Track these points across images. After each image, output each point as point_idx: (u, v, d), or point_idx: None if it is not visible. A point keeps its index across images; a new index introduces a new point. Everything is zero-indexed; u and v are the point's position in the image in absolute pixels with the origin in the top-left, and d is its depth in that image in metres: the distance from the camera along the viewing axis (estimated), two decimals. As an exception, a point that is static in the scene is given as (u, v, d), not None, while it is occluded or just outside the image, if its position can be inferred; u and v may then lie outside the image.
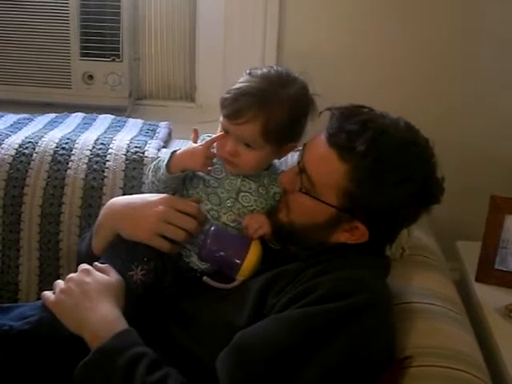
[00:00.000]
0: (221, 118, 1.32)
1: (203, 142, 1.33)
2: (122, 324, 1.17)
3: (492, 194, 1.81)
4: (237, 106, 1.27)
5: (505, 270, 1.79)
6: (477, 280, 1.82)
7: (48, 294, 1.23)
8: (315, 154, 1.25)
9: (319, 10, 2.07)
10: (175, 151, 1.34)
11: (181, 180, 1.36)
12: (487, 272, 1.80)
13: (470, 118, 2.10)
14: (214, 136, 1.33)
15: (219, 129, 1.34)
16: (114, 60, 2.15)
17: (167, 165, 1.32)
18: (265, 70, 1.33)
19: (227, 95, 1.30)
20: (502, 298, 1.73)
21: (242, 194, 1.35)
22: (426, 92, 2.09)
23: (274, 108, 1.28)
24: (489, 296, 1.75)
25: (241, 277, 1.27)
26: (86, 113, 1.97)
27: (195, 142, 1.36)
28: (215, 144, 1.33)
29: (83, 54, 2.15)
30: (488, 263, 1.80)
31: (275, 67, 1.35)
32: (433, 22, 2.03)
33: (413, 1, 2.03)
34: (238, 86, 1.30)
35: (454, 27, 2.03)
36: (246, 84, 1.30)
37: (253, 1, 2.05)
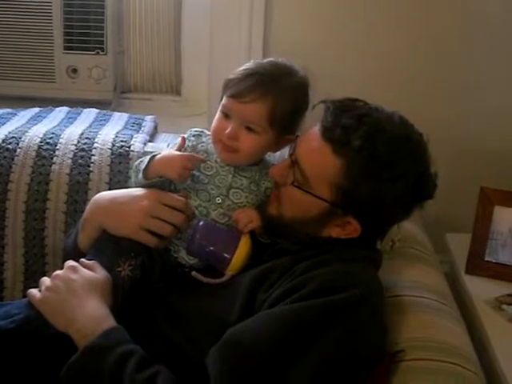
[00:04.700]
0: (223, 101, 1.30)
1: (185, 152, 1.32)
2: (109, 321, 1.15)
3: (481, 185, 1.81)
4: (245, 84, 1.26)
5: (494, 261, 1.79)
6: (467, 272, 1.82)
7: (34, 291, 1.21)
8: (309, 147, 1.23)
9: (305, 3, 2.06)
10: (155, 155, 1.31)
11: (165, 181, 1.34)
12: (477, 264, 1.80)
13: (458, 111, 2.10)
14: (197, 156, 1.31)
15: (216, 117, 1.32)
16: (98, 53, 2.13)
17: (145, 169, 1.31)
18: (270, 59, 1.34)
19: (233, 76, 1.29)
20: (493, 289, 1.73)
21: (233, 190, 1.33)
22: (414, 86, 2.09)
23: (281, 92, 1.27)
24: (479, 288, 1.75)
25: (230, 271, 1.26)
26: (70, 107, 1.95)
27: (179, 150, 1.34)
28: (212, 129, 1.32)
29: (67, 47, 2.13)
30: (478, 255, 1.80)
31: (279, 58, 1.35)
32: (422, 15, 2.02)
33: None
34: (244, 68, 1.30)
35: (443, 18, 2.03)
36: (253, 66, 1.30)
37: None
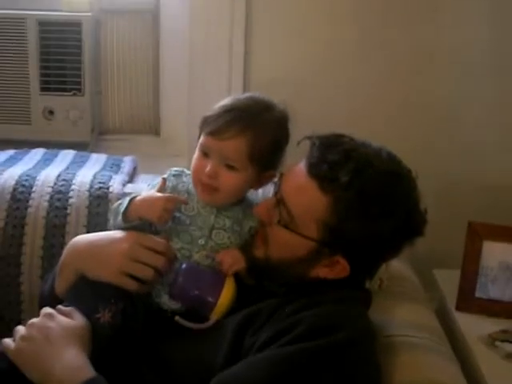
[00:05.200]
0: (201, 139, 1.28)
1: (166, 194, 1.29)
2: (88, 372, 1.10)
3: (468, 220, 1.80)
4: (223, 121, 1.24)
5: (486, 297, 1.76)
6: (457, 309, 1.78)
7: (8, 341, 1.16)
8: (294, 184, 1.20)
9: (285, 40, 2.05)
10: (135, 197, 1.28)
11: (145, 223, 1.30)
12: (468, 301, 1.77)
13: (443, 146, 2.09)
14: (178, 197, 1.29)
15: (195, 156, 1.29)
16: (75, 94, 2.10)
17: (124, 212, 1.27)
18: (248, 94, 1.33)
19: (210, 113, 1.27)
20: (485, 326, 1.70)
21: (216, 231, 1.30)
22: (399, 121, 2.08)
23: (260, 127, 1.25)
24: (471, 325, 1.72)
25: (215, 316, 1.21)
26: (46, 149, 1.91)
27: (160, 191, 1.30)
28: (191, 170, 1.29)
29: (43, 89, 2.09)
30: (468, 291, 1.77)
31: (257, 93, 1.33)
32: (407, 46, 2.03)
33: (382, 30, 2.02)
34: (221, 104, 1.28)
35: (430, 49, 2.03)
36: (230, 102, 1.28)
37: (218, 31, 2.03)
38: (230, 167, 1.25)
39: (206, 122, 1.27)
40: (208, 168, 1.25)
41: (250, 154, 1.24)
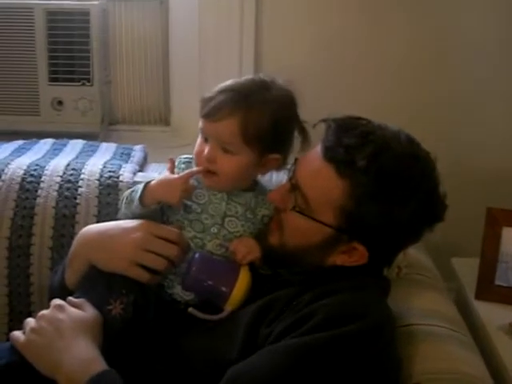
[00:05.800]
0: (200, 124, 1.25)
1: (181, 173, 1.26)
2: (99, 364, 1.08)
3: (487, 206, 1.77)
4: (214, 103, 1.21)
5: (505, 285, 1.74)
6: (477, 297, 1.77)
7: (17, 334, 1.14)
8: (310, 169, 1.17)
9: (296, 27, 2.05)
10: (149, 182, 1.26)
11: (157, 212, 1.28)
12: (487, 289, 1.75)
13: (459, 130, 2.08)
14: (193, 169, 1.26)
15: (197, 141, 1.27)
16: (84, 84, 2.09)
17: (141, 197, 1.25)
18: (250, 76, 1.29)
19: (207, 95, 1.24)
20: (505, 314, 1.68)
21: (228, 218, 1.27)
22: (412, 107, 2.07)
23: (253, 106, 1.21)
24: (491, 314, 1.70)
25: (230, 306, 1.19)
26: (56, 139, 1.89)
27: (172, 172, 1.28)
28: (194, 155, 1.27)
29: (51, 79, 2.09)
30: (487, 279, 1.75)
31: (261, 75, 1.29)
32: (415, 36, 2.02)
33: (387, 15, 2.02)
34: (219, 85, 1.25)
35: (443, 34, 2.03)
36: (228, 83, 1.25)
37: (228, 21, 2.02)
38: (227, 150, 1.22)
39: (202, 104, 1.24)
40: (206, 152, 1.22)
41: (244, 136, 1.21)
